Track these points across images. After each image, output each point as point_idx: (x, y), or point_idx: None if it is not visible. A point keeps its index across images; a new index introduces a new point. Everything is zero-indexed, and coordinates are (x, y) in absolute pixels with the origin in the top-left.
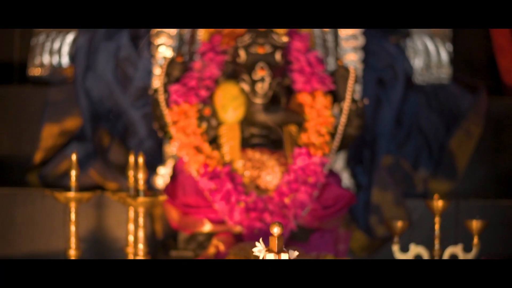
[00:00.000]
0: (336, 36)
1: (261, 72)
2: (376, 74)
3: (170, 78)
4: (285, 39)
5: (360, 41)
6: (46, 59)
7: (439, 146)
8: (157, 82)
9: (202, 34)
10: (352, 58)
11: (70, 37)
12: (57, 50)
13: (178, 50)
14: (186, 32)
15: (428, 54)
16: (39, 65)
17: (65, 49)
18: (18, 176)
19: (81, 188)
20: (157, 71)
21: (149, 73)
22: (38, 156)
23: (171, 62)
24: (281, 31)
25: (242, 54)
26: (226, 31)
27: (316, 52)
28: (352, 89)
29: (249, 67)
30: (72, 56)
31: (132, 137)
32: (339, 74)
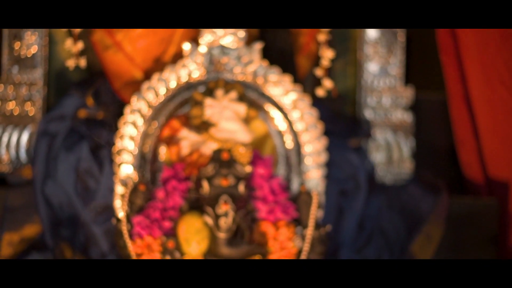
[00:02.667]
0: (299, 154)
1: (224, 207)
2: (338, 186)
3: (133, 207)
4: (248, 169)
5: (323, 157)
6: (3, 153)
7: (400, 247)
8: (118, 205)
9: (163, 153)
10: (315, 176)
11: (27, 133)
12: (14, 145)
13: (139, 168)
14: (148, 151)
15: (390, 149)
16: None
17: (23, 144)
18: None
19: None
20: (119, 189)
21: (111, 191)
22: None
23: (134, 191)
24: (244, 160)
25: (206, 185)
26: (188, 160)
27: (279, 178)
28: (315, 216)
29: (213, 200)
30: (30, 156)
31: (94, 248)
32: (302, 200)
